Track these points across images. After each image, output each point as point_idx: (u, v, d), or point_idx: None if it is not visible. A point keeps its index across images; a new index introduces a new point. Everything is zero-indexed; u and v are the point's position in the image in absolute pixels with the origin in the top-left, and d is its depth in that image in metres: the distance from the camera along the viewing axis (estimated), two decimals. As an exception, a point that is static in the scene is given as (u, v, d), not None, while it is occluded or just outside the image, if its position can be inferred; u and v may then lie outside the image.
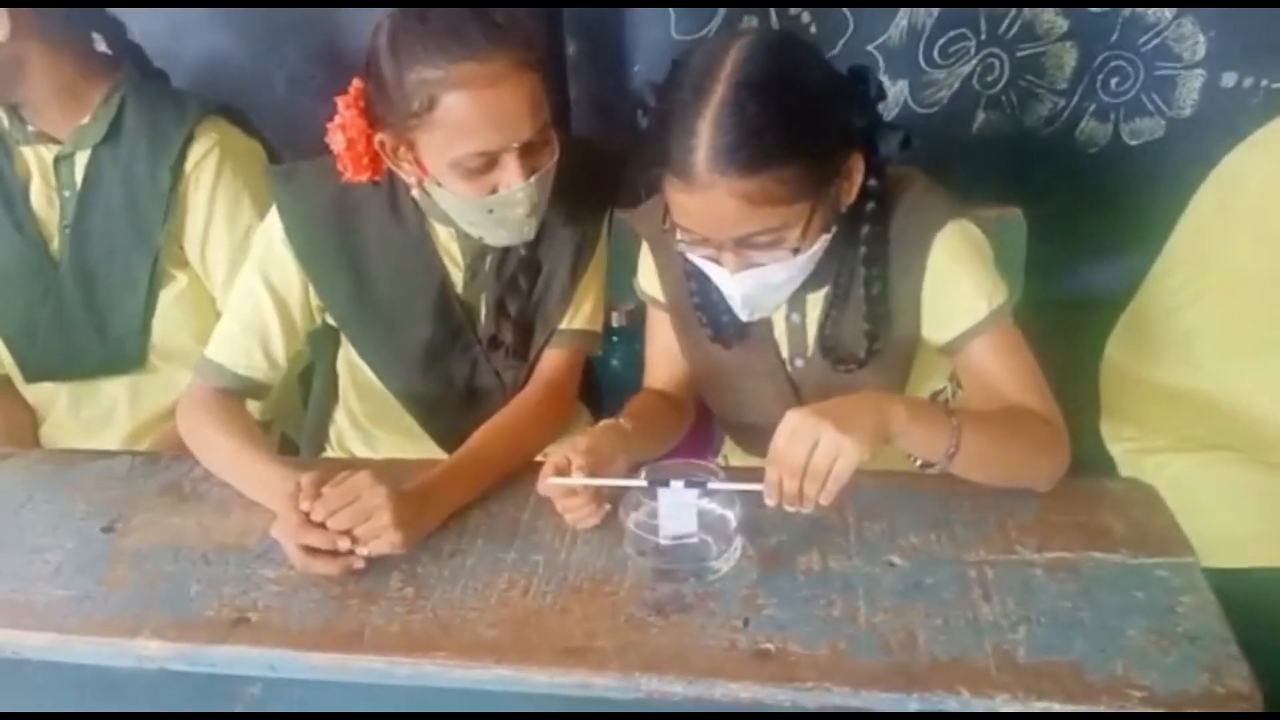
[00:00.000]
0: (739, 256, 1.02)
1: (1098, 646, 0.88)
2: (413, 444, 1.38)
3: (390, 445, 1.41)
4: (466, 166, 1.09)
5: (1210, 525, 1.29)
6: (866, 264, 1.09)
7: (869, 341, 1.12)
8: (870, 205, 1.07)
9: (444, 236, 1.26)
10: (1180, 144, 1.64)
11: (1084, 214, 1.67)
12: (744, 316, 1.11)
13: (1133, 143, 1.66)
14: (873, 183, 1.06)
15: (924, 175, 1.14)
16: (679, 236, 1.04)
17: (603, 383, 1.55)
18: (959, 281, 1.09)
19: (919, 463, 1.02)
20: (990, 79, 1.64)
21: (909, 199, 1.10)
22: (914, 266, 1.09)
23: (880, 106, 1.05)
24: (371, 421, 1.42)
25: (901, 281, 1.11)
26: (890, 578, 0.98)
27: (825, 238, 1.04)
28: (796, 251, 1.02)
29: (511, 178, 1.10)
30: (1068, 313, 1.56)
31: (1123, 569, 0.97)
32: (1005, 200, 1.61)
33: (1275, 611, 1.23)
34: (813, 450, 0.91)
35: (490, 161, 1.09)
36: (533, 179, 1.11)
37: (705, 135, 0.94)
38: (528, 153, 1.10)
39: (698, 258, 1.07)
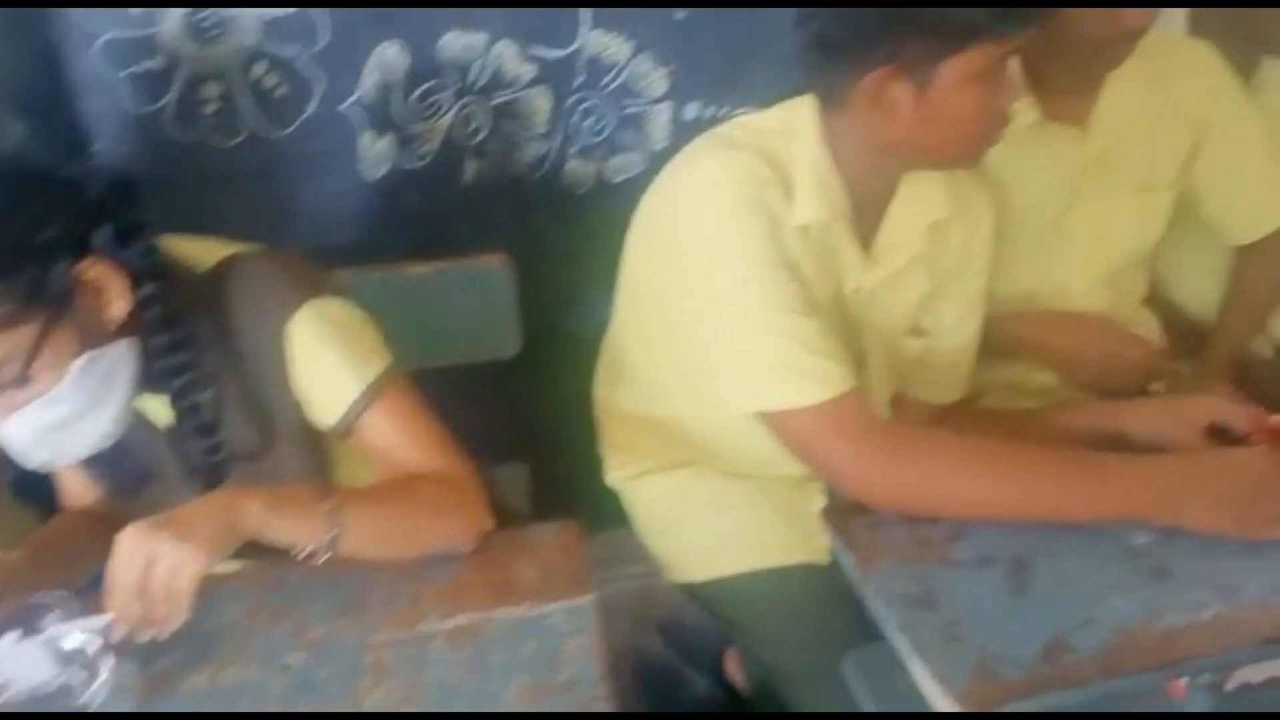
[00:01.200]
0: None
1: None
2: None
3: None
4: None
5: (684, 541, 1.36)
6: (174, 374, 1.00)
7: (210, 454, 1.05)
8: (152, 311, 0.98)
9: None
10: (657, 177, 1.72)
11: (577, 254, 1.70)
12: (35, 464, 0.99)
13: (616, 180, 1.73)
14: (148, 289, 0.97)
15: (275, 261, 1.07)
16: None
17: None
18: (326, 364, 1.04)
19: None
20: (471, 129, 1.65)
21: (247, 292, 1.04)
22: (274, 361, 1.03)
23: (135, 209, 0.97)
24: None
25: (268, 377, 1.05)
26: (281, 682, 0.92)
27: (89, 356, 0.94)
28: (45, 381, 0.92)
29: None
30: (572, 349, 1.60)
31: (520, 623, 0.97)
32: (503, 247, 1.64)
33: (749, 614, 1.30)
34: (151, 568, 0.84)
35: None
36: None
37: None
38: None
39: None
